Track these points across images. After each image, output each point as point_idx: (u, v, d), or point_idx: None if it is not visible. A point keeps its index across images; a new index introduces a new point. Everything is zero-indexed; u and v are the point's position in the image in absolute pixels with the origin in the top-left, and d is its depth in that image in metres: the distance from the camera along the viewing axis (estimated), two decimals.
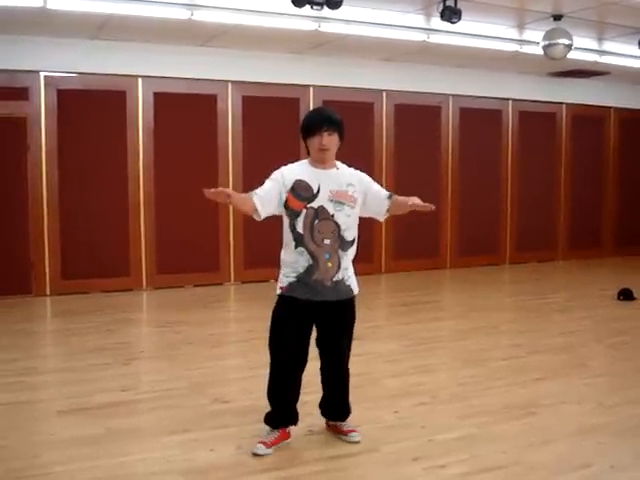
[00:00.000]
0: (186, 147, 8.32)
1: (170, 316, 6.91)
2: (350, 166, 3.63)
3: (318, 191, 3.41)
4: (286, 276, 3.47)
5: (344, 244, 3.45)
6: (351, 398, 3.74)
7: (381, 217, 3.67)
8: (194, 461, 3.36)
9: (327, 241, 3.40)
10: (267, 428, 3.58)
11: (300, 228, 3.40)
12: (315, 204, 3.41)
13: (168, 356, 5.39)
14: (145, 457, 3.41)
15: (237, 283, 8.71)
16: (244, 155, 8.58)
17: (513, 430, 3.78)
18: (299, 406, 3.65)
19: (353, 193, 3.48)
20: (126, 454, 3.43)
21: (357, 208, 3.51)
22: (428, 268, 9.82)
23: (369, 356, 5.24)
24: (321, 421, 3.79)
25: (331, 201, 3.42)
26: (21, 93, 7.55)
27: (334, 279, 3.44)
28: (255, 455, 3.41)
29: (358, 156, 8.96)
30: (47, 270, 7.81)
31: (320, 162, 3.48)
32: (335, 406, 3.72)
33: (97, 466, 3.28)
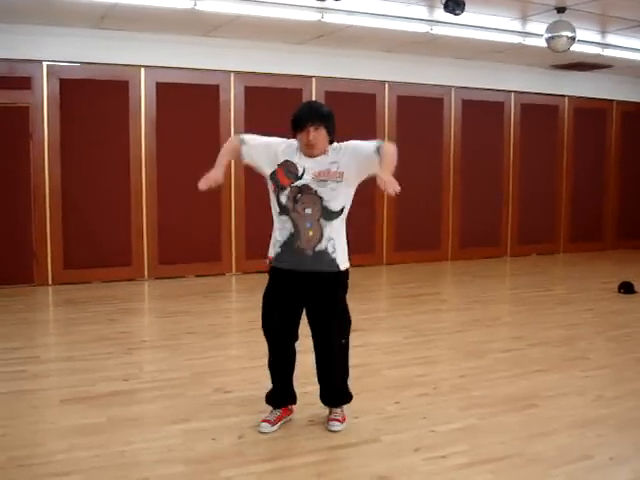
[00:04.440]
0: (188, 137, 8.31)
1: (171, 306, 6.94)
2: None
3: (303, 174, 3.47)
4: (273, 245, 3.58)
5: (328, 213, 3.46)
6: (352, 388, 3.74)
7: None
8: (196, 450, 3.38)
9: (308, 210, 3.45)
10: (269, 408, 3.69)
11: (284, 200, 3.48)
12: (299, 183, 3.47)
13: (170, 346, 5.40)
14: (147, 446, 3.42)
15: (238, 273, 8.72)
16: None
17: (514, 421, 3.80)
18: (300, 398, 3.65)
19: (337, 169, 3.47)
20: (128, 443, 3.45)
21: (349, 180, 3.49)
22: (429, 260, 9.81)
23: (370, 347, 5.24)
24: (322, 411, 3.80)
25: (314, 179, 3.46)
26: (24, 82, 7.54)
27: (316, 249, 3.46)
28: (261, 433, 3.54)
29: None
30: (49, 259, 7.82)
31: (309, 155, 3.50)
32: (325, 390, 3.72)
33: (99, 455, 3.30)
